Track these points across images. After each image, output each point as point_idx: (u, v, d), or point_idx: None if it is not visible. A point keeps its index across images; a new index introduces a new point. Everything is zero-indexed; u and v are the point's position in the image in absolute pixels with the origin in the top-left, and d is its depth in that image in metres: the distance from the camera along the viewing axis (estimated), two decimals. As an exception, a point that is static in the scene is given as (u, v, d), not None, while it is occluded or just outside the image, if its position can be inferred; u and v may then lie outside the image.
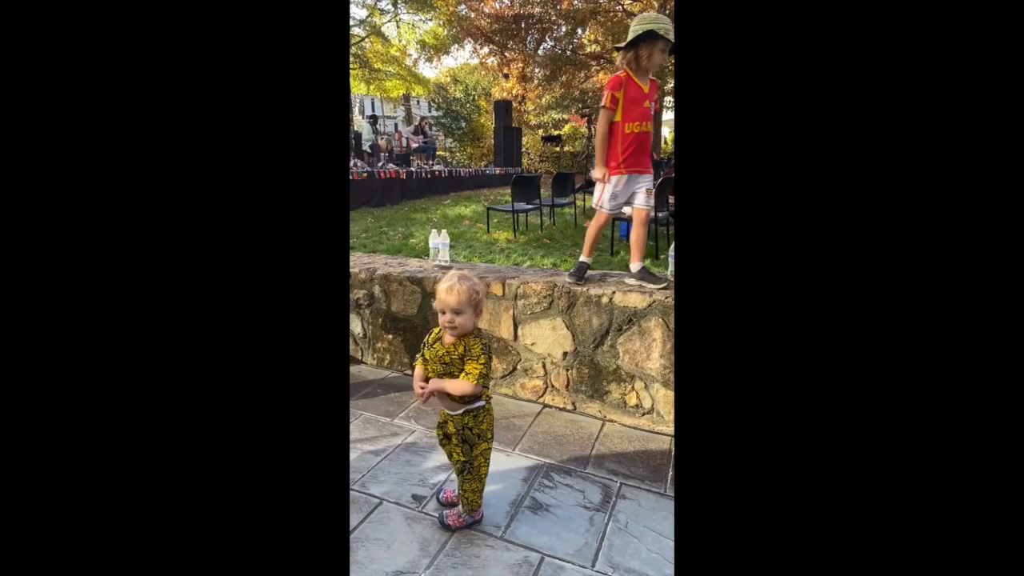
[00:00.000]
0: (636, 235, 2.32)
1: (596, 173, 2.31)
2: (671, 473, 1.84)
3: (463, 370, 1.41)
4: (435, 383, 1.43)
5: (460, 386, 1.40)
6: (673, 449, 2.00)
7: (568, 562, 1.42)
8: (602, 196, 2.31)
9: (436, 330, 1.49)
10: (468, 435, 1.46)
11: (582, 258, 2.36)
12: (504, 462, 1.89)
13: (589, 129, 12.40)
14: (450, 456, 1.54)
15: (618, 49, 2.25)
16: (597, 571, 1.39)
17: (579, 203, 6.39)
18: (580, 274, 2.32)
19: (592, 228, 2.38)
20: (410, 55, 17.48)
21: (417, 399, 1.45)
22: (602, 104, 2.24)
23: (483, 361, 1.39)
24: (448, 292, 1.38)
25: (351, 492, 1.70)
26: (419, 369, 1.49)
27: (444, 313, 1.39)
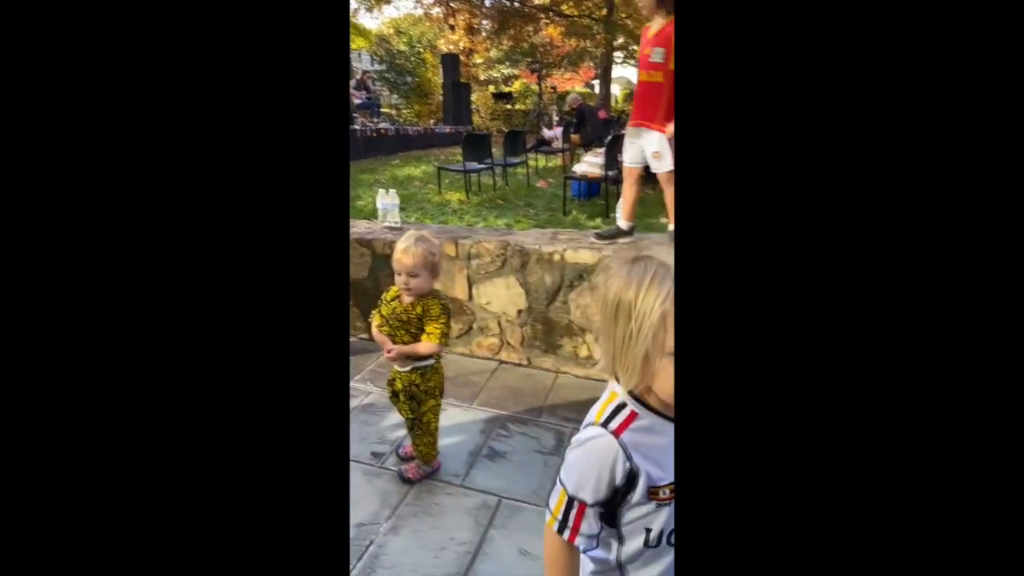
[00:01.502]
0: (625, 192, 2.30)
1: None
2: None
3: (422, 330, 1.42)
4: (402, 348, 1.44)
5: (426, 347, 1.42)
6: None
7: (524, 502, 1.51)
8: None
9: (395, 288, 1.49)
10: (415, 392, 1.50)
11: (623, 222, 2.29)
12: (462, 416, 1.95)
13: (540, 86, 12.15)
14: (401, 413, 1.57)
15: None
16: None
17: (532, 163, 6.35)
18: (612, 236, 2.27)
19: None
20: (350, 5, 16.26)
21: (384, 355, 1.47)
22: None
23: (443, 321, 1.41)
24: (404, 253, 1.37)
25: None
26: (376, 322, 1.49)
27: (400, 275, 1.39)
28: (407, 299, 1.44)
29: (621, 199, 2.40)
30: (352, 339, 2.63)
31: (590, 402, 2.05)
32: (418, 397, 1.51)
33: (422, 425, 1.54)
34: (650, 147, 2.19)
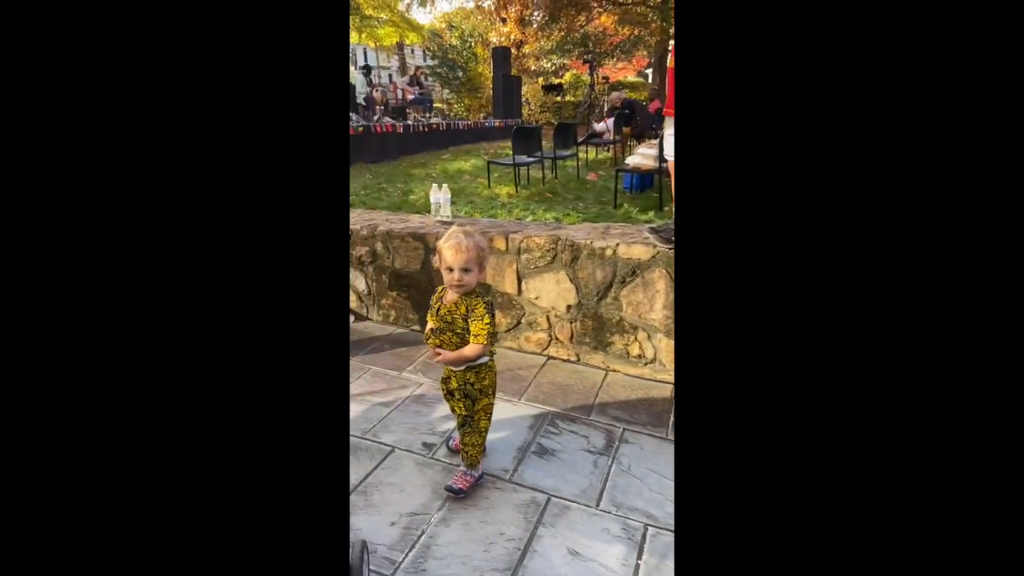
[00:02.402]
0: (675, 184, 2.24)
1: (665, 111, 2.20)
2: (672, 419, 1.90)
3: (466, 329, 1.42)
4: (447, 356, 1.43)
5: (471, 351, 1.41)
6: (674, 398, 2.06)
7: (573, 502, 1.49)
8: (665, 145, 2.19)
9: (440, 288, 1.49)
10: (470, 390, 1.49)
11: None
12: (510, 411, 1.95)
13: (591, 77, 11.91)
14: (453, 411, 1.58)
15: None
16: (601, 510, 1.46)
17: (582, 155, 6.25)
18: (668, 233, 2.14)
19: (674, 181, 2.21)
20: (402, 0, 16.61)
21: (433, 359, 1.48)
22: None
23: (487, 320, 1.39)
24: (455, 250, 1.36)
25: (364, 441, 1.77)
26: (428, 327, 1.51)
27: (451, 271, 1.38)
28: (451, 297, 1.43)
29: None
30: (404, 330, 2.69)
31: (642, 401, 1.99)
32: (473, 395, 1.51)
33: (473, 424, 1.54)
34: (668, 134, 2.14)
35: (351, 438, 1.78)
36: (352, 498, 1.50)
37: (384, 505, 1.47)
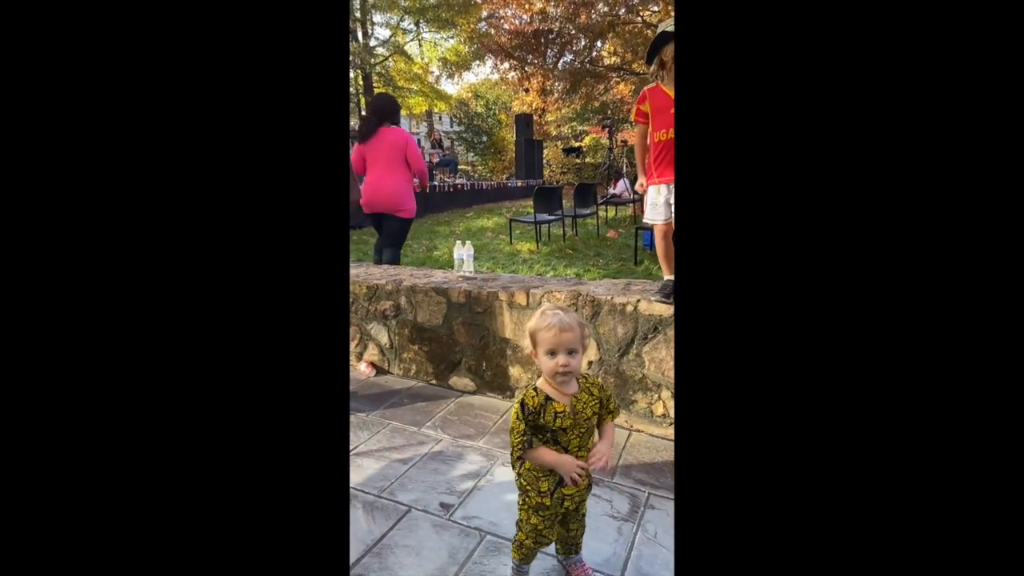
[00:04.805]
0: (658, 248, 2.29)
1: (638, 186, 2.35)
2: (700, 484, 1.81)
3: (591, 420, 1.21)
4: (608, 452, 1.15)
5: (614, 432, 1.22)
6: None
7: (597, 571, 1.41)
8: (645, 210, 2.28)
9: (531, 394, 1.18)
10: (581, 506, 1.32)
11: (665, 277, 2.26)
12: (530, 471, 1.89)
13: (610, 140, 12.39)
14: (572, 533, 1.34)
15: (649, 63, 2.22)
16: (627, 582, 1.37)
17: (601, 214, 6.38)
18: (667, 291, 2.18)
19: (657, 245, 2.29)
20: (432, 72, 17.92)
21: (580, 472, 1.15)
22: (631, 120, 2.27)
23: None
24: (560, 329, 1.12)
25: (380, 500, 1.73)
26: (544, 450, 1.17)
27: (554, 355, 1.14)
28: (570, 390, 1.19)
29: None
30: (423, 384, 2.69)
31: (667, 464, 1.91)
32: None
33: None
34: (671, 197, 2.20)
35: (368, 496, 1.75)
36: (366, 560, 1.45)
37: (399, 569, 1.42)
